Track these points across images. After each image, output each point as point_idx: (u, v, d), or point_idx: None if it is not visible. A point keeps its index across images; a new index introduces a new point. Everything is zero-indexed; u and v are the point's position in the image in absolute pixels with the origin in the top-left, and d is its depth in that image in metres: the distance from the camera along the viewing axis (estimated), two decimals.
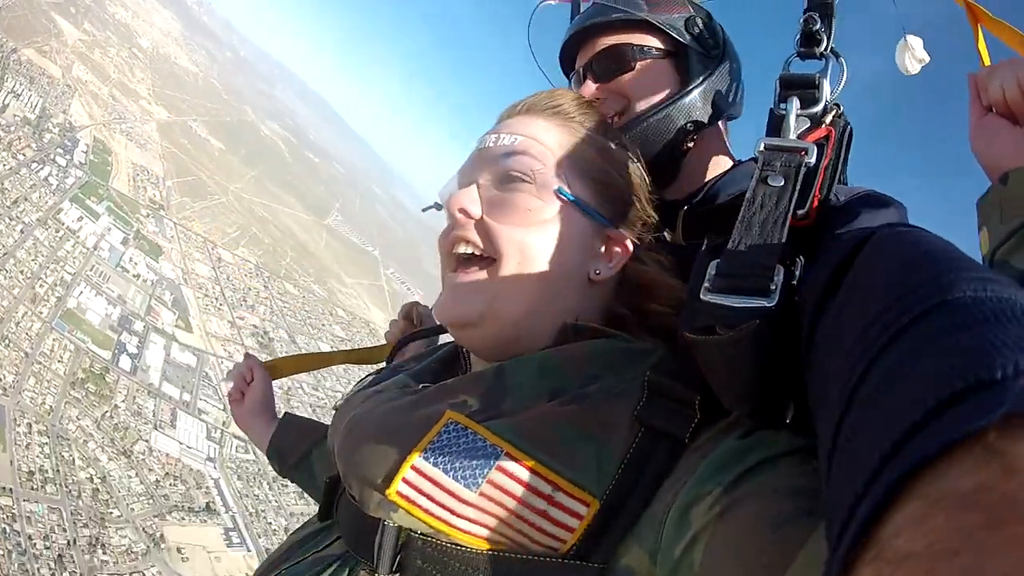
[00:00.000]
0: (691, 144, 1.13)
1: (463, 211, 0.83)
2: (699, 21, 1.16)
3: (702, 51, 1.15)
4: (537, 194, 0.82)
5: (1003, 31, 1.10)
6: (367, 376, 1.01)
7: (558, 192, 0.83)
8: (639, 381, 0.68)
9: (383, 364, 1.41)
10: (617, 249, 0.86)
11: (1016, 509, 0.26)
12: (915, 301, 0.43)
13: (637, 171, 0.93)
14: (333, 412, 0.92)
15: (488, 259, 0.82)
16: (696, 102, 1.12)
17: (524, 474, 0.63)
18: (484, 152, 0.88)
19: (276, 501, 50.69)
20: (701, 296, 0.64)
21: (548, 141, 0.86)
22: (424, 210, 0.95)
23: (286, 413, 1.47)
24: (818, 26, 0.95)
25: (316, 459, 1.34)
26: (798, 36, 0.96)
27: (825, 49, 0.95)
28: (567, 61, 1.28)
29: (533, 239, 0.81)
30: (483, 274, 0.82)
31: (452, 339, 0.99)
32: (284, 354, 1.96)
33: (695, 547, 0.54)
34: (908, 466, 0.31)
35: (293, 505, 51.19)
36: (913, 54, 1.30)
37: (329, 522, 0.89)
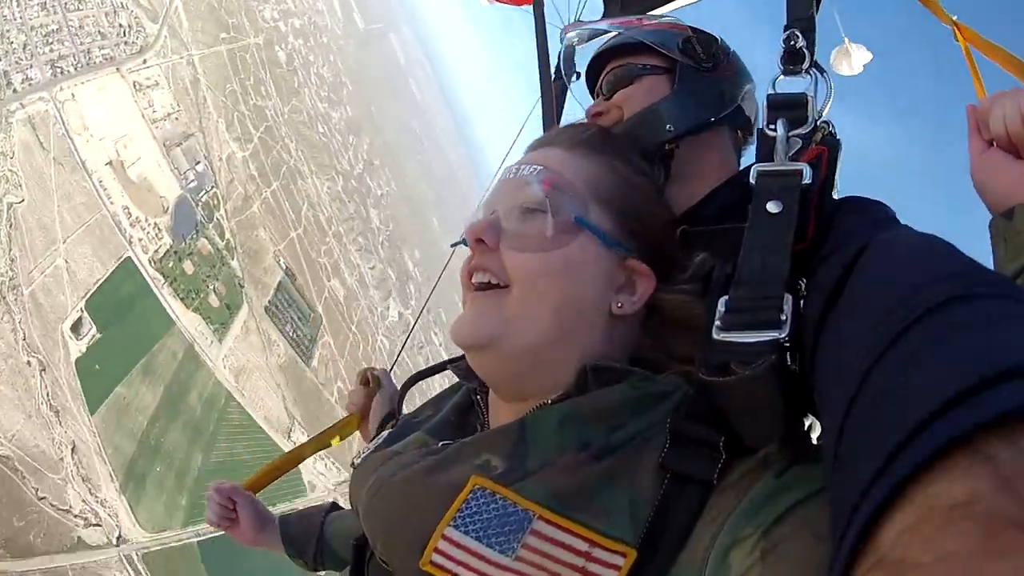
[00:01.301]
0: (673, 147, 1.15)
1: (480, 241, 0.83)
2: (694, 40, 1.22)
3: (694, 66, 1.20)
4: (553, 223, 0.80)
5: (998, 55, 1.06)
6: (382, 431, 1.00)
7: (576, 221, 0.81)
8: (662, 426, 0.67)
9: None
10: (641, 281, 0.83)
11: (1007, 518, 0.27)
12: (914, 305, 0.44)
13: (661, 201, 0.92)
14: (351, 468, 0.92)
15: (504, 287, 0.81)
16: (671, 107, 1.16)
17: (559, 535, 0.62)
18: (505, 183, 0.88)
19: None
20: (714, 335, 0.64)
21: (568, 172, 0.85)
22: (453, 246, 0.95)
23: (280, 519, 1.57)
24: (800, 43, 0.96)
25: (331, 539, 1.50)
26: (781, 54, 0.97)
27: (809, 66, 0.96)
28: (591, 89, 1.38)
29: (546, 267, 0.79)
30: (497, 298, 0.81)
31: (460, 379, 0.98)
32: None
33: None
34: (903, 474, 0.32)
35: None
36: (852, 58, 1.38)
37: None
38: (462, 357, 0.94)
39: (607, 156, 0.89)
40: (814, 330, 0.58)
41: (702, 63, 1.22)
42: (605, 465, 0.66)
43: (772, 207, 0.73)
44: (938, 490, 0.30)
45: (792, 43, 0.97)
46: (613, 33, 1.33)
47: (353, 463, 0.93)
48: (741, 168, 1.25)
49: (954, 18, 1.23)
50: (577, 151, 0.89)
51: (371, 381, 1.66)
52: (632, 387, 0.73)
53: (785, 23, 1.02)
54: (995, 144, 0.92)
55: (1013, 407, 0.30)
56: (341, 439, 1.70)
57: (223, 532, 1.56)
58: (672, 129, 1.15)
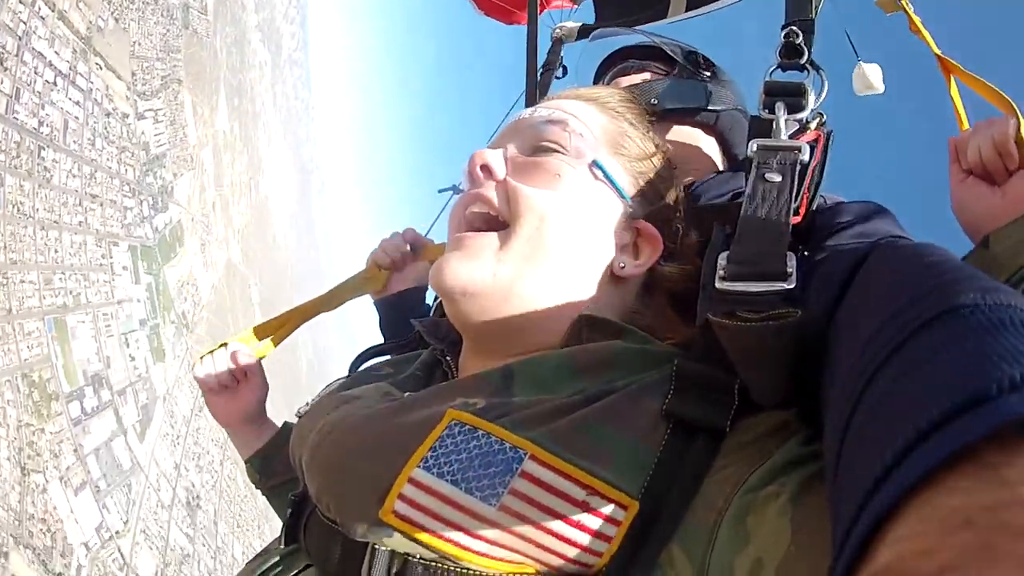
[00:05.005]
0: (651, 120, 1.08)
1: (485, 168, 0.75)
2: (698, 54, 1.32)
3: (692, 70, 1.29)
4: (570, 162, 0.75)
5: (978, 86, 1.12)
6: (335, 380, 0.87)
7: (593, 164, 0.76)
8: (667, 372, 0.59)
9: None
10: (647, 246, 0.77)
11: (1007, 527, 0.27)
12: (915, 314, 0.43)
13: (675, 176, 0.87)
14: (296, 419, 0.79)
15: (503, 223, 0.73)
16: (662, 87, 1.24)
17: (554, 479, 0.52)
18: (519, 122, 0.82)
19: None
20: (717, 285, 0.60)
21: (588, 120, 0.80)
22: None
23: (286, 423, 1.22)
24: (799, 39, 0.98)
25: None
26: (780, 48, 0.98)
27: (806, 61, 0.98)
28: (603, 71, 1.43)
29: (557, 206, 0.72)
30: (494, 235, 0.72)
31: (426, 338, 0.87)
32: None
33: (761, 566, 0.46)
34: (903, 484, 0.32)
35: None
36: (868, 80, 1.36)
37: (294, 547, 0.76)
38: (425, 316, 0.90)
39: (629, 119, 0.85)
40: (822, 322, 0.55)
41: (700, 69, 1.32)
42: (602, 406, 0.56)
43: (772, 176, 0.72)
44: (938, 500, 0.30)
45: (791, 39, 0.99)
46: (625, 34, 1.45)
47: (298, 413, 0.80)
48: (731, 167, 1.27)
49: (939, 51, 1.24)
50: (597, 106, 0.85)
51: (424, 248, 1.37)
52: (635, 344, 0.65)
53: (783, 23, 1.04)
54: (972, 173, 0.94)
55: (1015, 417, 0.30)
56: (360, 295, 1.40)
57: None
58: (656, 103, 1.19)
